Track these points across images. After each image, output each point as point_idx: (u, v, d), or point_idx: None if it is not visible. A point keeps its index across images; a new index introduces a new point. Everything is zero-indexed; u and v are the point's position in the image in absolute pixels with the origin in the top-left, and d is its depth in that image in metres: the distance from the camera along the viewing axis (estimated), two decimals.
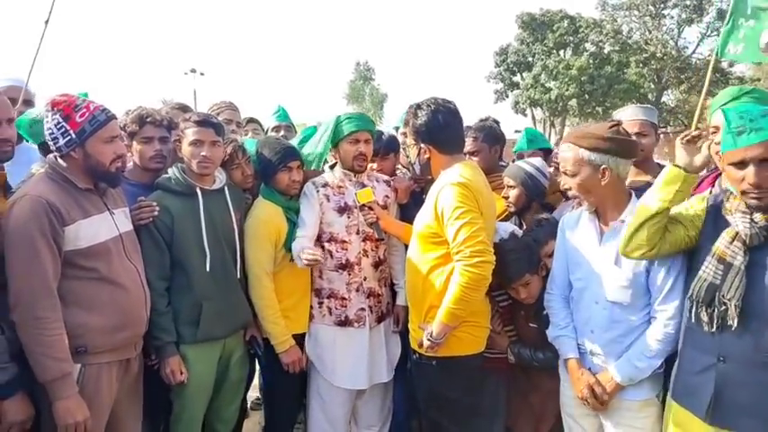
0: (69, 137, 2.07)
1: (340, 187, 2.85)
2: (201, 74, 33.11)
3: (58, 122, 2.07)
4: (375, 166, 3.14)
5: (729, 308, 1.78)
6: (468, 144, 3.11)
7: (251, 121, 4.24)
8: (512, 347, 2.57)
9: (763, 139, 1.69)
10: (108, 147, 2.13)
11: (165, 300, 2.46)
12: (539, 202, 2.86)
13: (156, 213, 2.43)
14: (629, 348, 2.12)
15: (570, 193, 2.31)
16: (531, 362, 2.51)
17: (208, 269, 2.52)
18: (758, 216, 1.77)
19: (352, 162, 2.82)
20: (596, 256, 2.20)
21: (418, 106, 2.45)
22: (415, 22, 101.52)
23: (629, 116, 2.74)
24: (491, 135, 3.22)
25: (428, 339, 2.34)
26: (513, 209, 2.87)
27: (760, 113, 1.72)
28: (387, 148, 3.17)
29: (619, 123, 2.21)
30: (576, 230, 2.30)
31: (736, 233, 1.78)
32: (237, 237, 2.67)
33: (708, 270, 1.84)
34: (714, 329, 1.81)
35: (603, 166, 2.10)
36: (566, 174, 2.19)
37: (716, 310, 1.81)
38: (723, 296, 1.79)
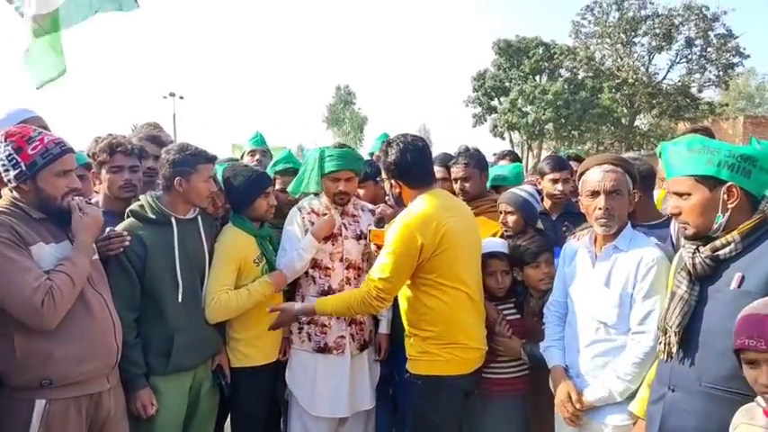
0: (20, 169, 2.01)
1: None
2: (181, 97, 32.92)
3: (9, 154, 2.02)
4: (361, 191, 3.22)
5: (670, 335, 1.84)
6: (460, 170, 3.24)
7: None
8: (524, 347, 2.63)
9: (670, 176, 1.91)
10: (60, 180, 2.07)
11: (134, 331, 2.40)
12: (533, 226, 2.94)
13: (126, 244, 2.38)
14: (606, 366, 2.19)
15: (603, 218, 2.23)
16: (542, 360, 2.53)
17: (180, 300, 2.48)
18: (704, 248, 1.81)
19: (333, 197, 2.87)
20: (589, 279, 2.29)
21: (389, 143, 2.56)
22: (395, 47, 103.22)
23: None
24: (481, 162, 3.31)
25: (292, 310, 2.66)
26: (510, 233, 2.94)
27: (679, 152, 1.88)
28: (371, 171, 3.28)
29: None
30: (575, 257, 2.42)
31: (685, 264, 1.85)
32: (208, 266, 2.64)
33: (666, 301, 1.93)
34: (666, 358, 1.88)
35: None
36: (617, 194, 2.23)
37: (665, 338, 1.88)
38: (667, 323, 1.85)
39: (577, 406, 2.23)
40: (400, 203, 2.59)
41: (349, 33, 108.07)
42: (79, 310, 2.07)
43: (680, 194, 1.85)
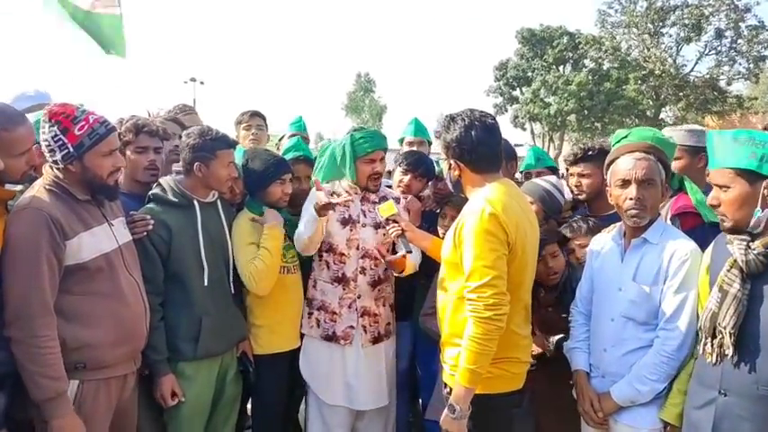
0: (67, 150, 2.00)
1: (346, 199, 2.80)
2: (201, 83, 33.06)
3: (56, 135, 2.00)
4: (406, 180, 3.10)
5: (725, 336, 1.77)
6: None
7: (255, 114, 4.02)
8: (546, 338, 2.57)
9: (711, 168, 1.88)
10: (107, 160, 2.08)
11: (158, 315, 2.38)
12: (555, 219, 2.85)
13: (150, 227, 2.36)
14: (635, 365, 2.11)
15: (634, 208, 2.13)
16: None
17: (206, 283, 2.47)
18: (756, 243, 1.74)
19: (366, 182, 2.78)
20: (617, 273, 2.20)
21: (452, 118, 2.23)
22: (416, 35, 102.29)
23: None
24: (507, 151, 3.22)
25: (452, 415, 2.02)
26: None
27: (724, 141, 1.82)
28: (427, 171, 3.15)
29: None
30: (603, 251, 2.32)
31: (735, 261, 1.78)
32: (231, 250, 2.62)
33: (712, 300, 1.83)
34: (715, 361, 1.80)
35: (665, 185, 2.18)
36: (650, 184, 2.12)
37: (716, 340, 1.80)
38: (719, 324, 1.78)
39: (600, 415, 2.17)
40: (458, 189, 2.34)
41: (370, 20, 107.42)
42: (113, 295, 2.10)
43: (720, 186, 1.81)
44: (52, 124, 2.01)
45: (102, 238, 2.10)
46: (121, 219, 2.29)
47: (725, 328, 1.76)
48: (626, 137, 2.31)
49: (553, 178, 2.99)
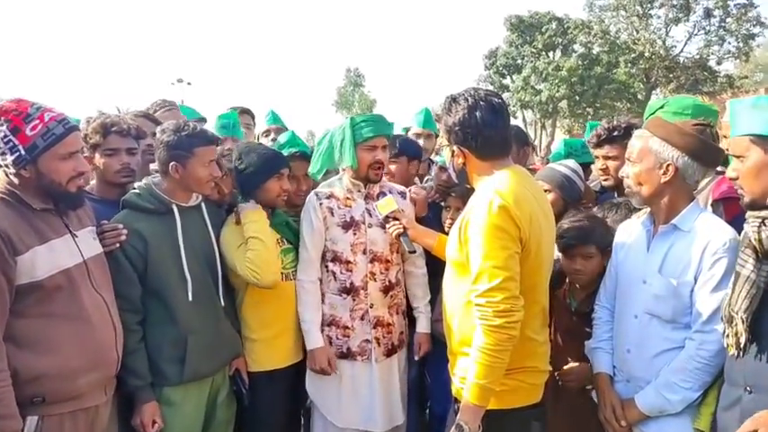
0: (18, 153, 1.77)
1: (347, 199, 2.56)
2: (189, 83, 32.87)
3: (5, 135, 1.77)
4: (392, 167, 2.89)
5: (737, 322, 1.60)
6: None
7: (244, 112, 3.79)
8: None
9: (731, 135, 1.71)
10: (65, 164, 1.83)
11: (136, 336, 2.14)
12: (575, 206, 2.61)
13: (122, 238, 2.11)
14: (662, 369, 1.90)
15: (625, 184, 2.05)
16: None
17: (190, 298, 2.22)
18: None
19: (367, 171, 2.52)
20: (641, 263, 1.99)
21: (454, 99, 2.00)
22: (404, 27, 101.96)
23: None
24: (519, 135, 3.03)
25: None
26: None
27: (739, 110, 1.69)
28: (402, 150, 2.95)
29: (708, 125, 2.04)
30: (629, 239, 2.11)
31: (750, 240, 1.63)
32: (219, 259, 2.36)
33: (729, 284, 1.70)
34: (736, 352, 1.63)
35: (668, 162, 1.87)
36: (628, 160, 2.00)
37: (731, 328, 1.63)
38: (732, 309, 1.62)
39: (622, 423, 1.95)
40: (463, 178, 2.12)
41: (358, 14, 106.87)
42: (75, 317, 1.86)
43: (738, 157, 1.66)
44: (1, 123, 1.78)
45: (62, 253, 1.87)
46: (90, 229, 2.05)
47: (737, 313, 1.60)
48: (661, 107, 2.10)
49: (572, 163, 2.76)
